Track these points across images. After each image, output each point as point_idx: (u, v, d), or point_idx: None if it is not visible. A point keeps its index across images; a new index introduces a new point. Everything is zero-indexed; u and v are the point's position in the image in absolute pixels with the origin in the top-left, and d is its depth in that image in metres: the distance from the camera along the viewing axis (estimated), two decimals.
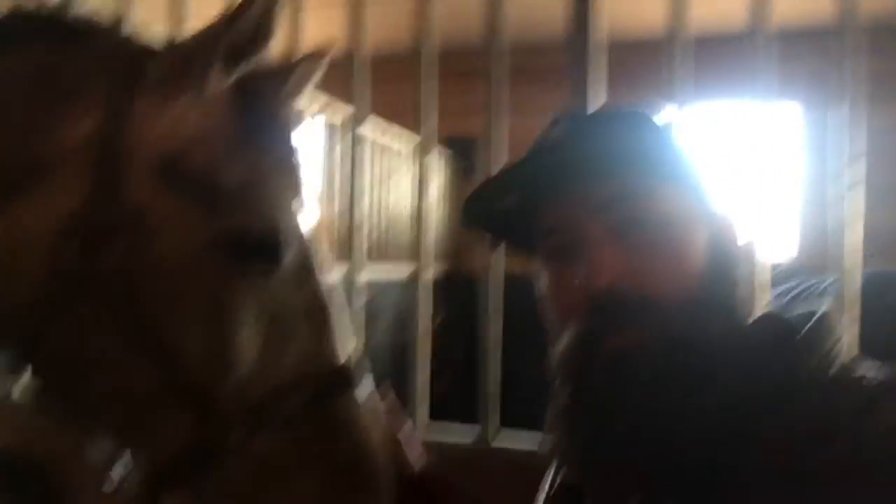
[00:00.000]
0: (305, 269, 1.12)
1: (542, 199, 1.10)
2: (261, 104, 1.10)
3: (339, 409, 1.08)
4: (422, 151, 2.01)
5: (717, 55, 3.42)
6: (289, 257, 1.08)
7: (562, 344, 1.05)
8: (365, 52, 2.08)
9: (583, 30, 1.83)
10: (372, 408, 1.11)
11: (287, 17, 2.06)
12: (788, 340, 1.02)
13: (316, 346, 1.10)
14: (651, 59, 1.96)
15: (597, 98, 1.84)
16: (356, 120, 2.07)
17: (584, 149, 1.09)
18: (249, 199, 1.05)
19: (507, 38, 1.94)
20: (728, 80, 3.46)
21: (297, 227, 1.11)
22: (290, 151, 1.13)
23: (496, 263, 1.85)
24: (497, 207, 1.16)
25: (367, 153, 2.15)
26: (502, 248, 1.76)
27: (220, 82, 1.05)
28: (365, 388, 1.12)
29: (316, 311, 1.11)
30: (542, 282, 1.13)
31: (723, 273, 1.04)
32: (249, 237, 1.03)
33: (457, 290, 5.66)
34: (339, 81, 1.98)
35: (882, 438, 0.86)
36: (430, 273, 1.97)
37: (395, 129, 5.13)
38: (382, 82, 2.15)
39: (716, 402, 0.94)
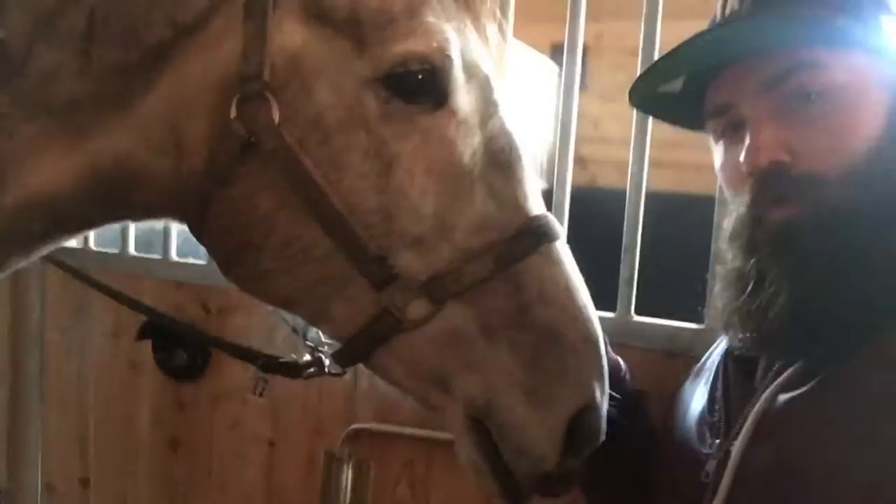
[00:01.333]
0: (488, 107, 0.99)
1: (710, 78, 1.09)
2: None
3: (534, 269, 0.96)
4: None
5: None
6: (462, 93, 0.96)
7: (730, 218, 1.09)
8: None
9: None
10: (567, 267, 0.99)
11: None
12: None
13: (503, 195, 0.97)
14: None
15: None
16: None
17: (755, 19, 1.04)
18: (404, 29, 0.92)
19: None
20: None
21: (473, 60, 0.98)
22: None
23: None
24: (663, 91, 1.15)
25: None
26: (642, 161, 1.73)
27: None
28: (561, 243, 1.00)
29: (501, 154, 0.98)
30: (715, 158, 1.15)
31: None
32: (407, 68, 0.91)
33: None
34: None
35: None
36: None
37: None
38: None
39: (874, 274, 0.94)
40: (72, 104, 0.93)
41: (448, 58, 0.93)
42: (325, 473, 1.98)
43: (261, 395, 1.69)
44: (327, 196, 0.90)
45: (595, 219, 2.35)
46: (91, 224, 1.09)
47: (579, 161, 6.35)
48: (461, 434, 1.00)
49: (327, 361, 1.15)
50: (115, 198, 0.99)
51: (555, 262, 0.98)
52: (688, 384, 1.29)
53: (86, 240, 2.45)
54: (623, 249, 1.75)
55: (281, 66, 0.90)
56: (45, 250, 1.09)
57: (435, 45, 0.92)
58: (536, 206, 1.00)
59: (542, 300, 0.95)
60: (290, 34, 0.91)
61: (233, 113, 0.89)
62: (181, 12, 0.91)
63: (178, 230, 2.26)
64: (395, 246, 0.93)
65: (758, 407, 1.01)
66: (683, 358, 1.59)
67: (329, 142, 0.91)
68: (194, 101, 0.92)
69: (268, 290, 1.01)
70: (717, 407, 1.15)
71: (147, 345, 2.31)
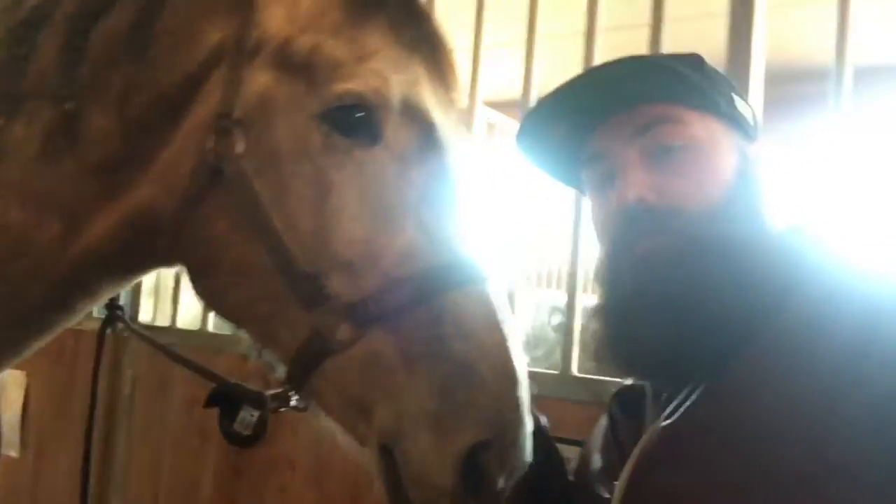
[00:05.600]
0: (430, 150, 1.05)
1: (589, 125, 1.16)
2: None
3: (456, 304, 0.98)
4: None
5: None
6: (400, 133, 1.03)
7: (600, 255, 1.16)
8: None
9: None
10: (492, 307, 1.00)
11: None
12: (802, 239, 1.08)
13: (435, 231, 1.01)
14: None
15: None
16: None
17: (627, 74, 1.14)
18: (348, 72, 1.02)
19: None
20: None
21: (419, 105, 1.05)
22: (411, 30, 1.08)
23: None
24: (549, 136, 1.21)
25: None
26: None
27: None
28: (487, 285, 1.01)
29: (437, 194, 1.03)
30: (591, 209, 1.22)
31: (748, 191, 1.09)
32: (345, 104, 1.01)
33: None
34: None
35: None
36: None
37: None
38: None
39: (728, 296, 1.01)
40: (114, 165, 1.09)
41: (383, 98, 1.02)
42: None
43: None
44: (270, 218, 0.99)
45: None
46: (132, 270, 1.23)
47: None
48: (374, 464, 1.00)
49: (294, 397, 1.16)
50: (145, 243, 1.12)
51: (478, 300, 0.99)
52: (595, 430, 1.31)
53: (173, 319, 2.76)
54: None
55: (252, 106, 1.03)
56: (106, 296, 1.26)
57: (371, 86, 1.01)
58: (470, 248, 1.03)
59: (459, 334, 0.97)
60: (260, 80, 1.04)
61: (209, 144, 1.03)
62: (188, 63, 1.07)
63: None
64: (327, 268, 0.99)
65: (644, 438, 1.04)
66: None
67: (280, 170, 1.01)
68: (190, 141, 1.06)
69: (222, 303, 1.11)
70: (612, 450, 1.19)
71: (214, 415, 2.51)
